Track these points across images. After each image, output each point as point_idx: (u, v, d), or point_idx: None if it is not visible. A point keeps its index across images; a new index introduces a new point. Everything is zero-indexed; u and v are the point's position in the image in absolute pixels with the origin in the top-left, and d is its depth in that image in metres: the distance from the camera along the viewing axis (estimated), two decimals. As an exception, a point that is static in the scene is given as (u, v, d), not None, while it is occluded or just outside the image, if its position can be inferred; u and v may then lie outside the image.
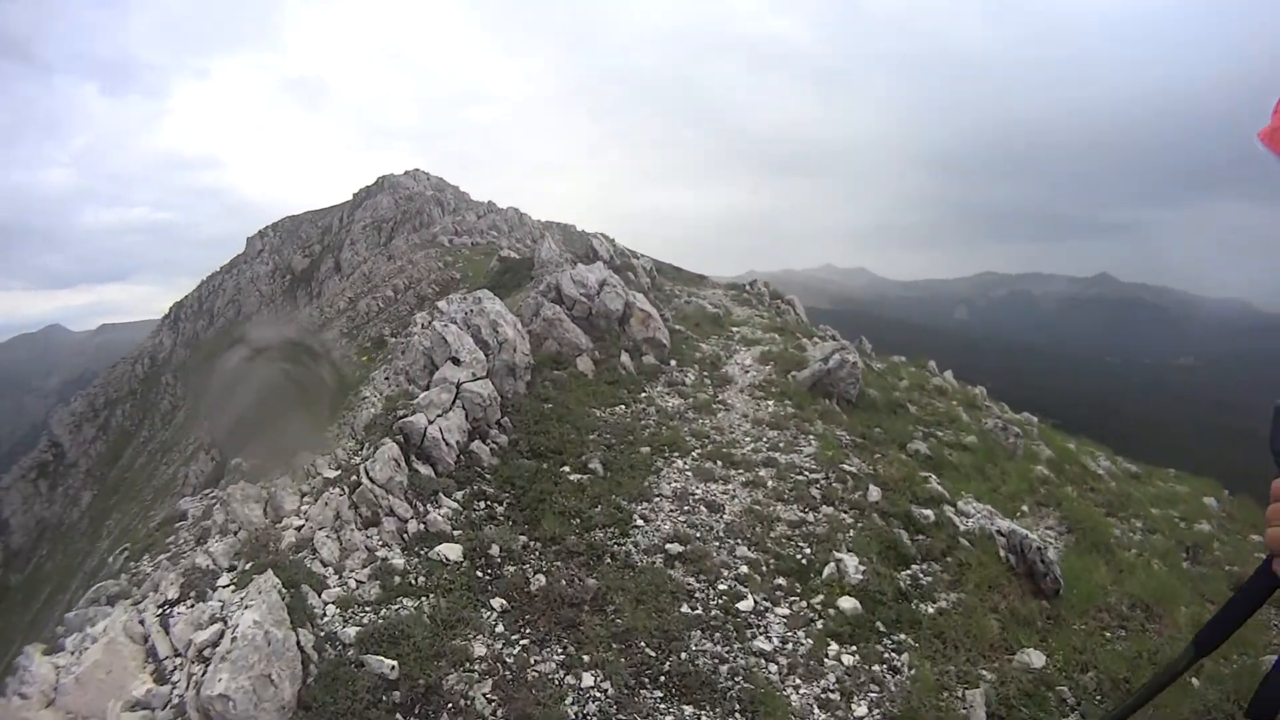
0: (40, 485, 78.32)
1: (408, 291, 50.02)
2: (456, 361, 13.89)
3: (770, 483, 12.52)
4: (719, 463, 13.29)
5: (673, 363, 18.63)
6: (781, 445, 14.18)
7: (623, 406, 15.77)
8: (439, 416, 12.35)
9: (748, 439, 14.66)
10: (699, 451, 13.79)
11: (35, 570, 66.77)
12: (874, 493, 12.23)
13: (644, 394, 16.63)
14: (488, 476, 12.02)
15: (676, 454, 13.63)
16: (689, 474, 12.90)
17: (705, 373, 18.41)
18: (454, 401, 12.90)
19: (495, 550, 9.82)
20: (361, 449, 12.17)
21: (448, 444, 11.95)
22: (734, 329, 24.06)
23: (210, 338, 79.52)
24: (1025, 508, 14.25)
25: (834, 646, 8.44)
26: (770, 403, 16.85)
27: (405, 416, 11.98)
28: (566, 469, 12.61)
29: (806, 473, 12.94)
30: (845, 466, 13.15)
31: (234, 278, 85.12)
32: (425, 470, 11.38)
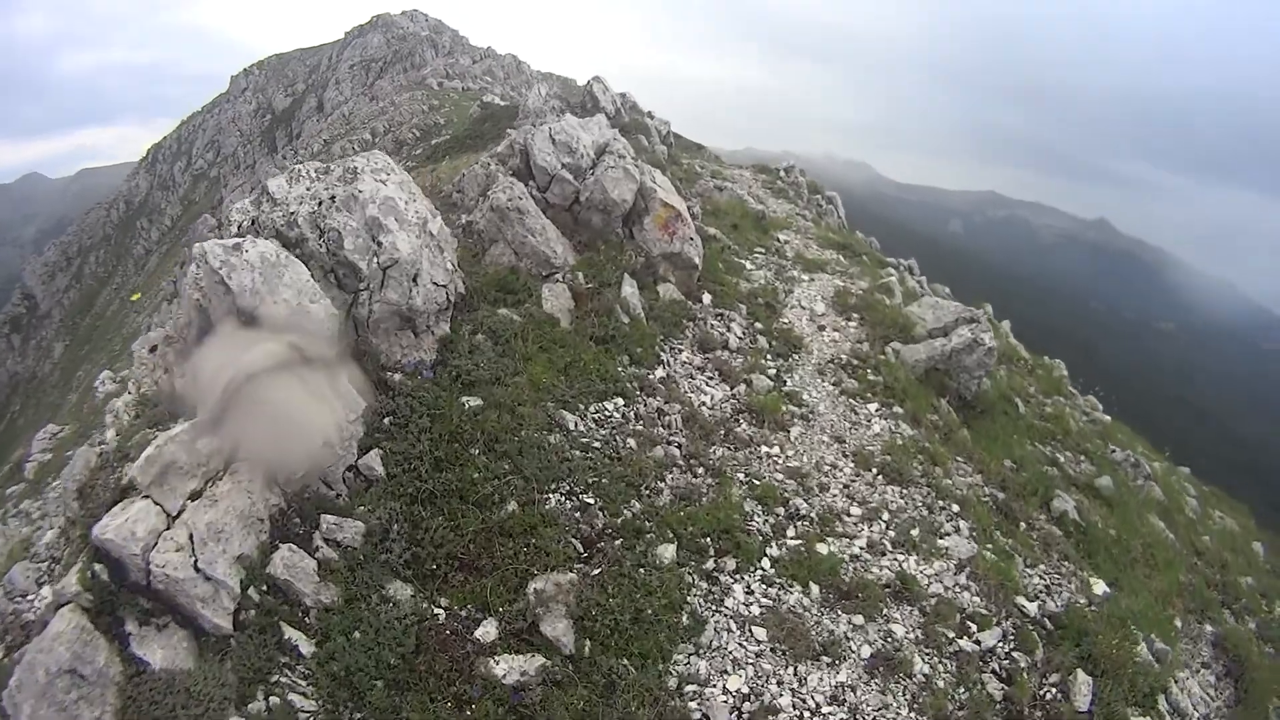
0: (13, 339, 75.70)
1: (386, 135, 45.57)
2: (251, 320, 6.11)
3: (921, 667, 6.33)
4: (815, 594, 6.69)
5: (706, 299, 11.26)
6: (915, 533, 7.76)
7: (620, 401, 8.50)
8: (189, 505, 5.25)
9: (854, 511, 8.03)
10: (775, 555, 6.98)
11: (8, 426, 63.65)
12: (1081, 687, 6.52)
13: (660, 368, 9.47)
14: (297, 667, 5.19)
15: (731, 560, 6.81)
16: (759, 637, 6.19)
17: (758, 324, 11.35)
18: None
19: None
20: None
21: (209, 580, 5.04)
22: (780, 236, 16.60)
23: (187, 180, 75.78)
24: (1178, 621, 10.07)
25: None
26: (873, 408, 10.35)
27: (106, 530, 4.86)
28: (483, 631, 5.70)
29: (975, 621, 6.92)
30: (1023, 605, 7.29)
31: (215, 117, 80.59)
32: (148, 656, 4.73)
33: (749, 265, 13.49)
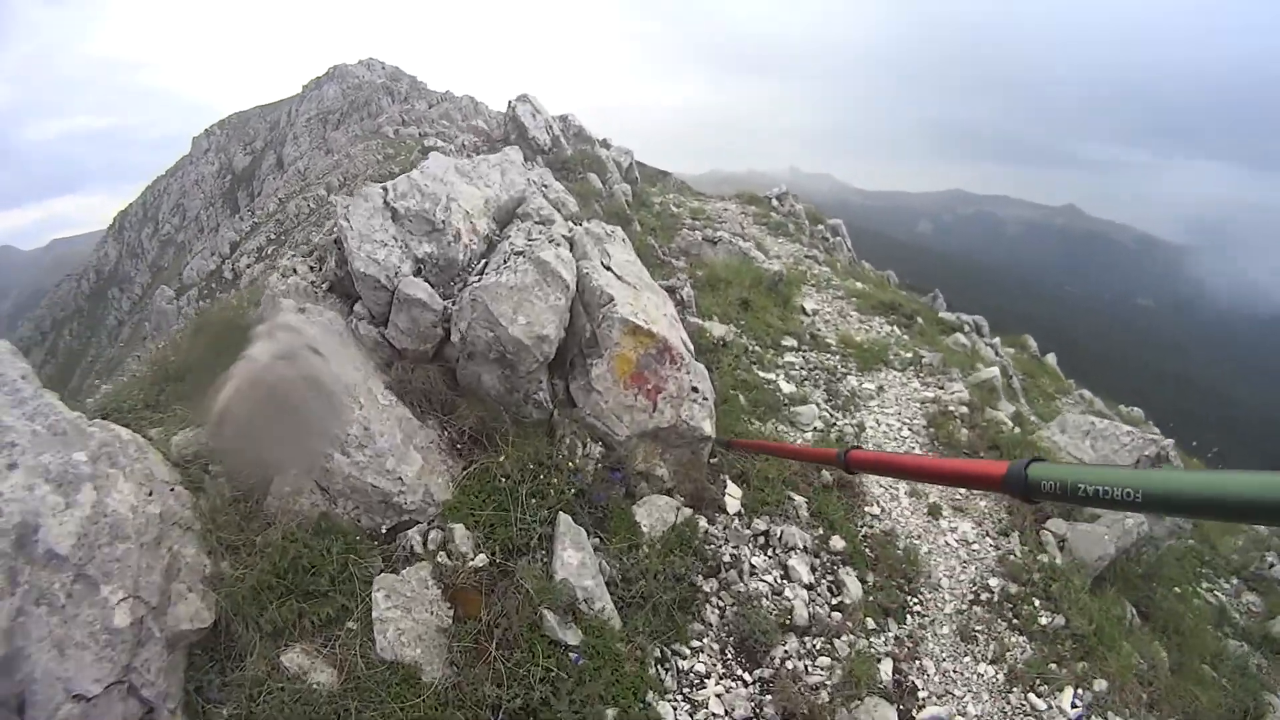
0: (-10, 422, 70.08)
1: (342, 189, 41.81)
2: None
3: None
4: None
5: (733, 504, 5.62)
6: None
7: None
8: None
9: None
10: None
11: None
12: None
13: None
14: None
15: None
16: None
17: (835, 537, 5.84)
18: None
19: None
20: None
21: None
22: (805, 306, 11.25)
23: (155, 246, 73.36)
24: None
25: None
26: (1065, 701, 4.32)
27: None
28: None
29: None
30: None
31: (179, 180, 78.38)
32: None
33: (783, 385, 7.93)
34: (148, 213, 79.70)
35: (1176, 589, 7.43)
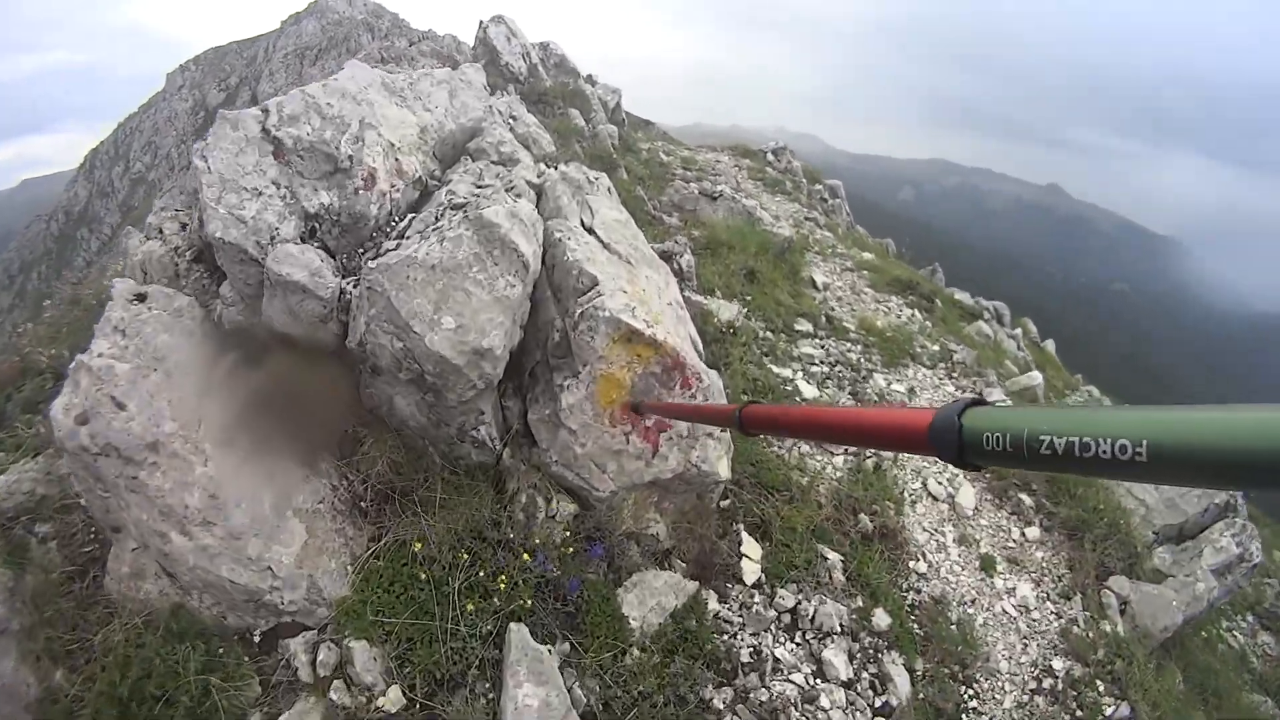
0: (-38, 368, 67.98)
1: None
2: None
3: None
4: None
5: (751, 571, 4.13)
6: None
7: None
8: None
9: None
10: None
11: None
12: None
13: None
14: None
15: None
16: None
17: (877, 613, 4.35)
18: None
19: None
20: None
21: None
22: (815, 279, 9.63)
23: (126, 185, 69.05)
24: None
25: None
26: None
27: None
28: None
29: None
30: None
31: (151, 117, 73.78)
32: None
33: (803, 386, 6.11)
34: (119, 151, 76.15)
35: (1204, 632, 6.42)
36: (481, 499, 3.29)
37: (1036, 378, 8.40)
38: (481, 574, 3.07)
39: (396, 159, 3.71)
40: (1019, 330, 12.87)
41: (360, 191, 3.47)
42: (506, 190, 3.61)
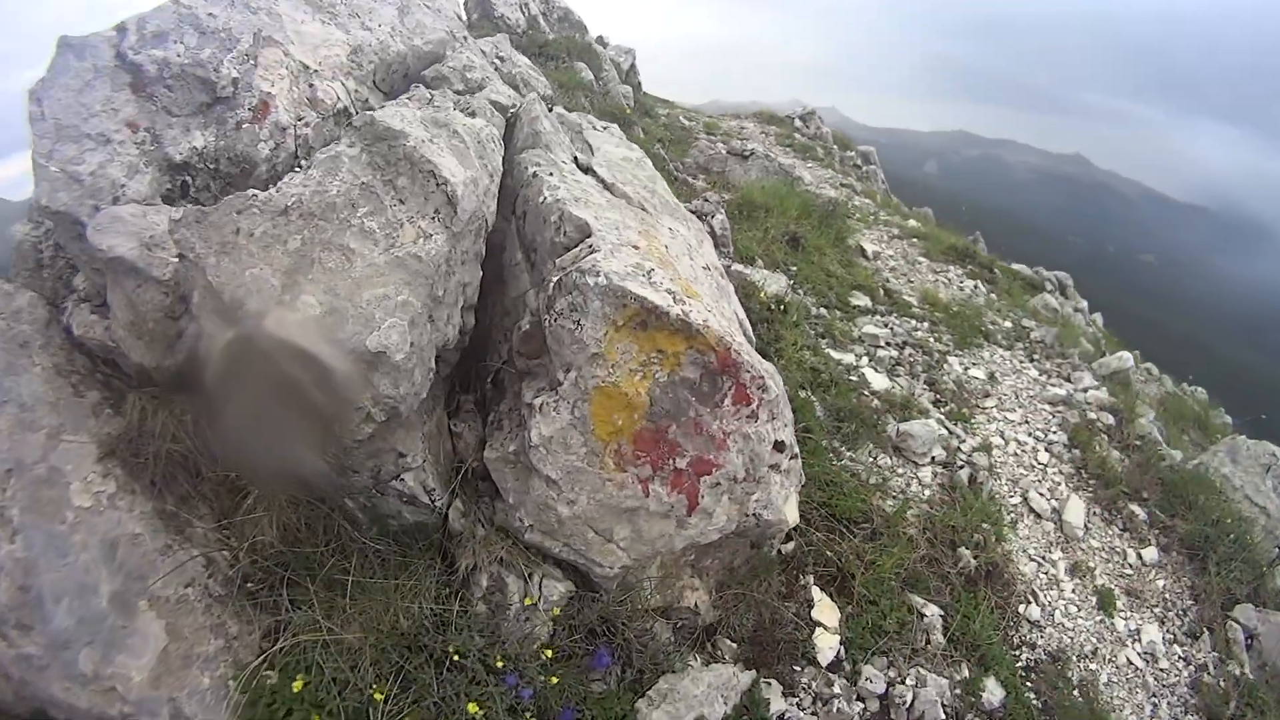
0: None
1: None
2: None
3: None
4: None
5: (830, 645, 2.92)
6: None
7: None
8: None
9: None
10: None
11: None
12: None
13: None
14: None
15: None
16: None
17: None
18: None
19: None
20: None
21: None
22: (864, 246, 8.32)
23: None
24: None
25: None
26: None
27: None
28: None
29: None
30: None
31: None
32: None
33: (871, 376, 4.80)
34: None
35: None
36: (420, 582, 2.10)
37: (1127, 359, 7.09)
38: (415, 709, 1.89)
39: (310, 85, 2.52)
40: (1084, 303, 11.48)
41: (245, 126, 2.29)
42: (460, 112, 2.39)
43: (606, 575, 2.30)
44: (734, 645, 2.64)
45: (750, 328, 3.09)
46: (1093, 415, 5.69)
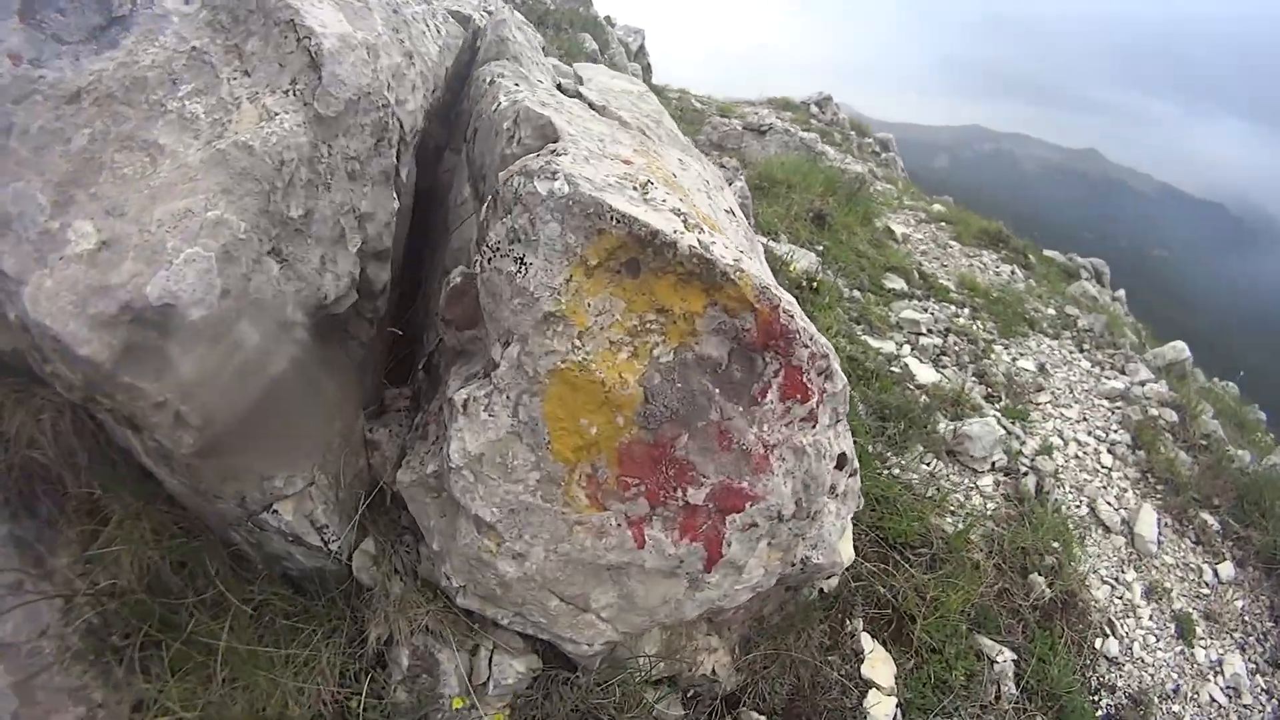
0: None
1: None
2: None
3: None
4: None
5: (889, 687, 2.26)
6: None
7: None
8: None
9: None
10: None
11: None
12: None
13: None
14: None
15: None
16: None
17: None
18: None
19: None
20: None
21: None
22: (894, 228, 7.53)
23: None
24: None
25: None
26: None
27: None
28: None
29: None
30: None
31: None
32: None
33: (915, 366, 4.18)
34: None
35: None
36: (317, 653, 1.45)
37: (1183, 349, 6.41)
38: None
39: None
40: (1121, 291, 10.73)
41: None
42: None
43: (585, 653, 1.60)
44: (762, 718, 1.98)
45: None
46: (1154, 412, 5.02)
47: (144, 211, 1.15)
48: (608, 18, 14.16)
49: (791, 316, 1.38)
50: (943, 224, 9.11)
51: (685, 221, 1.27)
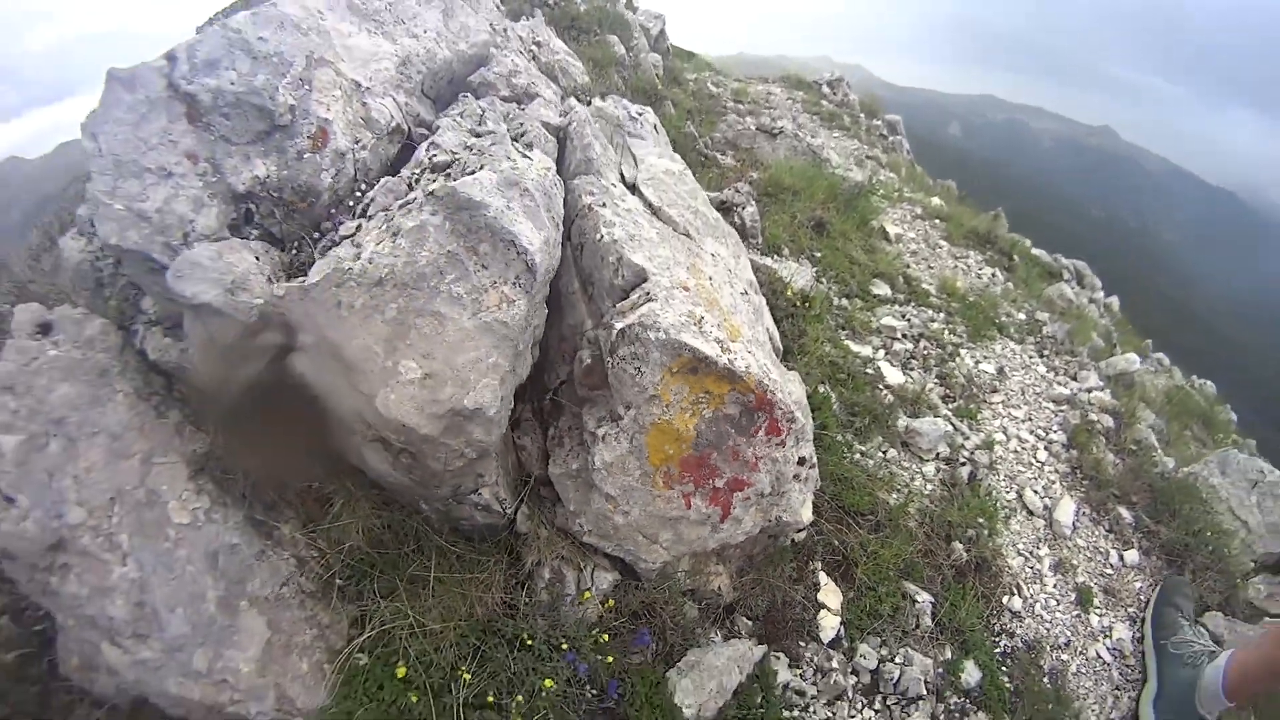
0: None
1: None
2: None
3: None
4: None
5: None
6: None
7: None
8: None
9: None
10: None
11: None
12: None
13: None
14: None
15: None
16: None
17: None
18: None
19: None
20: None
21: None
22: (887, 229, 8.63)
23: None
24: None
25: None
26: None
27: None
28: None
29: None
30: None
31: None
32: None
33: (886, 369, 5.00)
34: None
35: None
36: (491, 575, 2.55)
37: (1134, 361, 7.38)
38: (492, 683, 2.33)
39: (363, 103, 2.72)
40: (1100, 293, 11.69)
41: (306, 156, 2.49)
42: (514, 140, 2.64)
43: (649, 569, 2.75)
44: (750, 623, 3.05)
45: (778, 334, 3.42)
46: (1094, 417, 5.99)
47: (449, 358, 2.15)
48: (629, 2, 14.82)
49: (774, 392, 2.57)
50: (936, 220, 10.01)
51: (722, 346, 2.39)
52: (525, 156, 2.52)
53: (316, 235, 2.50)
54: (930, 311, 6.60)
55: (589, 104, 4.77)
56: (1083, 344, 7.45)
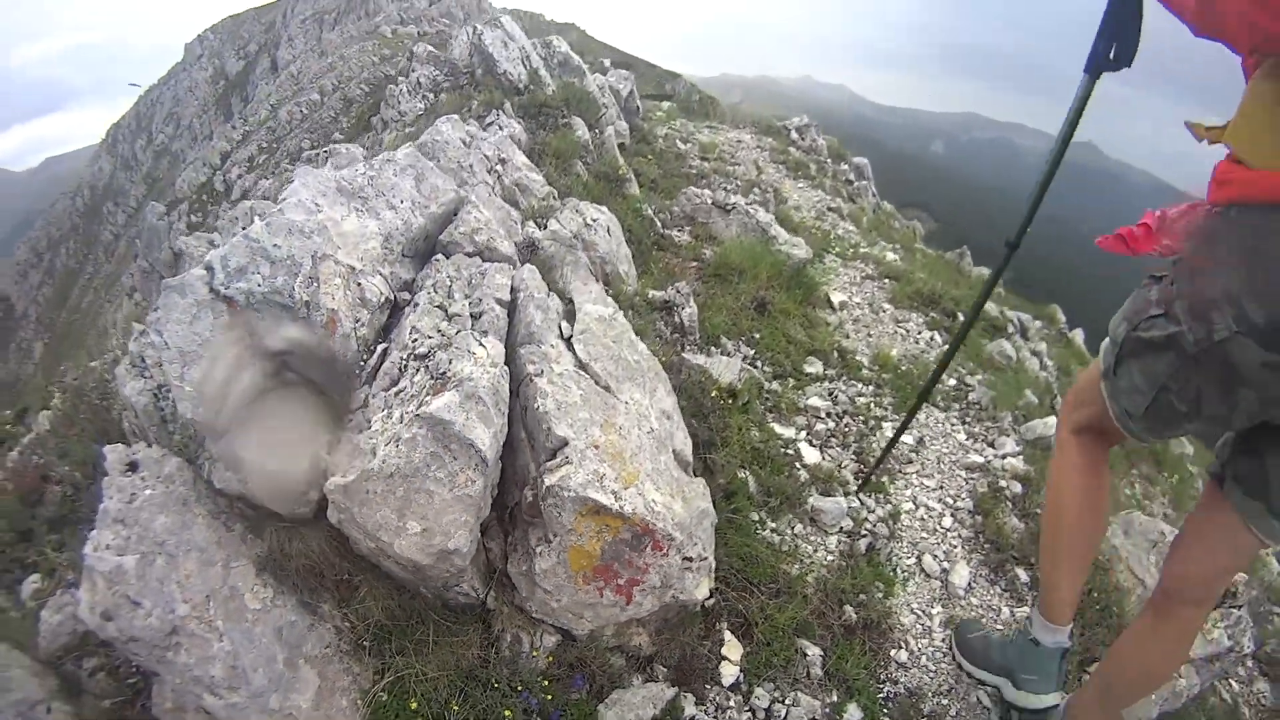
0: (-7, 346, 70.50)
1: (334, 94, 41.21)
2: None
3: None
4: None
5: None
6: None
7: None
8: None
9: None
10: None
11: (-4, 432, 60.08)
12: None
13: None
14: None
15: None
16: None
17: None
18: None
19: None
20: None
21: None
22: (834, 301, 9.61)
23: (149, 158, 72.47)
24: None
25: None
26: None
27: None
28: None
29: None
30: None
31: (171, 89, 76.73)
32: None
33: (805, 450, 6.14)
34: (141, 124, 78.72)
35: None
36: (470, 639, 3.62)
37: (1052, 424, 8.38)
38: (473, 712, 3.45)
39: (358, 284, 3.79)
40: (1044, 345, 12.69)
41: (325, 340, 3.60)
42: (474, 320, 3.69)
43: (581, 634, 3.82)
44: (665, 670, 4.06)
45: (689, 445, 4.42)
46: (1003, 484, 6.81)
47: (438, 518, 3.23)
48: (602, 64, 15.97)
49: (654, 524, 3.71)
50: (885, 281, 11.02)
51: (616, 496, 3.36)
52: (481, 345, 3.53)
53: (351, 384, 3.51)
54: (860, 385, 7.57)
55: (545, 227, 5.78)
56: (1007, 409, 8.38)
